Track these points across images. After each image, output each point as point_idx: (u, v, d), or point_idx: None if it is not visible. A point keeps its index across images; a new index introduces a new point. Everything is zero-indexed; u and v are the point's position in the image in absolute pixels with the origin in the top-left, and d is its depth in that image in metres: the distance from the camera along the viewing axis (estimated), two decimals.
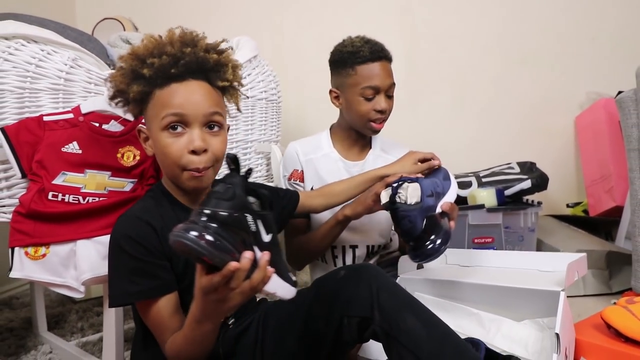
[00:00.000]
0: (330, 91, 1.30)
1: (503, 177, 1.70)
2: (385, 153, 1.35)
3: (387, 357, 0.81)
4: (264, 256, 0.64)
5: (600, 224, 1.93)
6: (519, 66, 2.10)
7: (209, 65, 0.83)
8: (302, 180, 1.31)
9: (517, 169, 1.74)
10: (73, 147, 1.01)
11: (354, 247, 1.31)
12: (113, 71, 0.84)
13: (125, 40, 1.31)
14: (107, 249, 0.82)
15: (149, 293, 0.78)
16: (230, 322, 0.88)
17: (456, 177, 1.78)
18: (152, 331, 0.80)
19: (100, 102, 1.02)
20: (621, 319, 0.89)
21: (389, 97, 1.25)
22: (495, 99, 2.13)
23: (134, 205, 0.87)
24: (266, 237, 0.67)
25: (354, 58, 1.22)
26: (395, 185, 1.00)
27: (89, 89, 1.03)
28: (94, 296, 1.64)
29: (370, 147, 1.36)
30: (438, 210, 1.01)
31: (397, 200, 0.99)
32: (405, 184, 0.99)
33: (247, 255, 0.62)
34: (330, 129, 1.37)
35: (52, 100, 1.01)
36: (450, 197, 1.08)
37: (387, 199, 1.01)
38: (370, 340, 0.84)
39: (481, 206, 1.56)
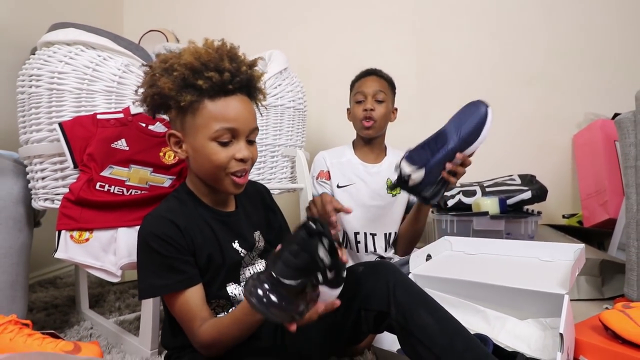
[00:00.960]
0: (347, 109, 1.51)
1: (505, 187, 1.68)
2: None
3: (400, 348, 0.79)
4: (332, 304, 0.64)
5: (593, 235, 1.89)
6: (523, 87, 2.07)
7: (253, 82, 0.82)
8: (329, 179, 1.47)
9: (519, 181, 1.71)
10: (121, 144, 1.02)
11: (373, 235, 1.43)
12: (154, 74, 0.78)
13: (169, 50, 1.30)
14: None
15: (175, 286, 0.76)
16: None
17: (462, 186, 1.76)
18: (179, 321, 0.78)
19: None
20: (619, 322, 0.86)
21: (378, 102, 1.39)
22: (500, 116, 2.07)
23: (159, 205, 0.84)
24: (330, 275, 0.61)
25: (354, 80, 1.49)
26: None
27: None
28: (128, 279, 1.65)
29: (385, 155, 1.49)
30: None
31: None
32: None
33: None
34: (353, 142, 1.53)
35: (105, 101, 1.02)
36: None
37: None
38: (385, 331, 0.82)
39: (485, 213, 1.54)
